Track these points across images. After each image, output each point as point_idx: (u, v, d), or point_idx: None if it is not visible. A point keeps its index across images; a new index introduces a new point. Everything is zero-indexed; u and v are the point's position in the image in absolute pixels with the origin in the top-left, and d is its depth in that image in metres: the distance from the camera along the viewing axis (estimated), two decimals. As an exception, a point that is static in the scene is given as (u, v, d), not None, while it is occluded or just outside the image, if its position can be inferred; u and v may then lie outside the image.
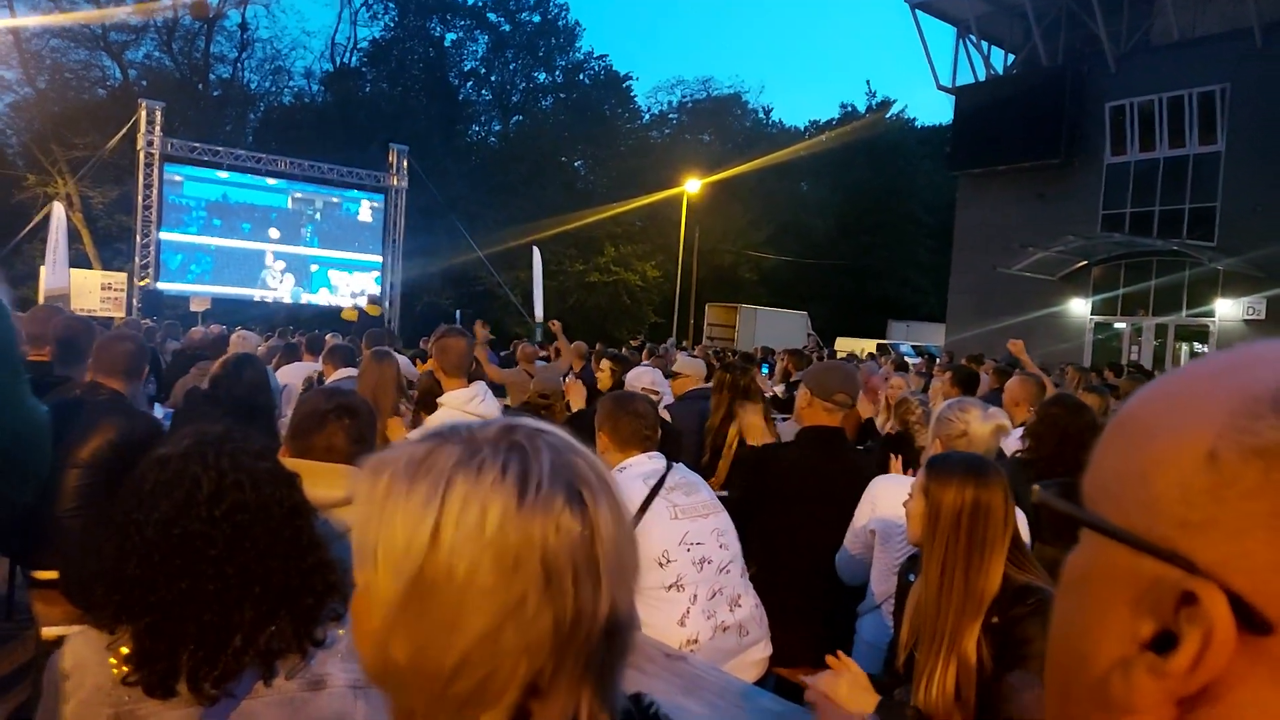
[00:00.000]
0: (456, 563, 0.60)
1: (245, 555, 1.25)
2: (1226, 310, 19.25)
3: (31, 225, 15.69)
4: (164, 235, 18.41)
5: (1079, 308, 21.97)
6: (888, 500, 2.66)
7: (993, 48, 24.83)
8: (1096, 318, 21.96)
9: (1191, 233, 19.69)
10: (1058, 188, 21.99)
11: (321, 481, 1.61)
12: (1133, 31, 21.04)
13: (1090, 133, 21.39)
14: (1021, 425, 3.74)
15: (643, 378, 4.74)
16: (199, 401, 2.91)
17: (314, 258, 20.64)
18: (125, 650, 1.21)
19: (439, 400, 3.84)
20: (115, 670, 1.21)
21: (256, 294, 19.67)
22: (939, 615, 1.84)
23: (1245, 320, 18.93)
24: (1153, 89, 20.28)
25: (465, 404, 3.88)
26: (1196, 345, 20.86)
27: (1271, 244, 17.31)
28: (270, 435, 3.00)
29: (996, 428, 2.71)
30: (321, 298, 20.58)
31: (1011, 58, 24.64)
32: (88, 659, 1.23)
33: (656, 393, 4.70)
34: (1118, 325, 21.82)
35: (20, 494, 0.99)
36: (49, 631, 2.73)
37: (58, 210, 15.11)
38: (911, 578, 2.09)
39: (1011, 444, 3.59)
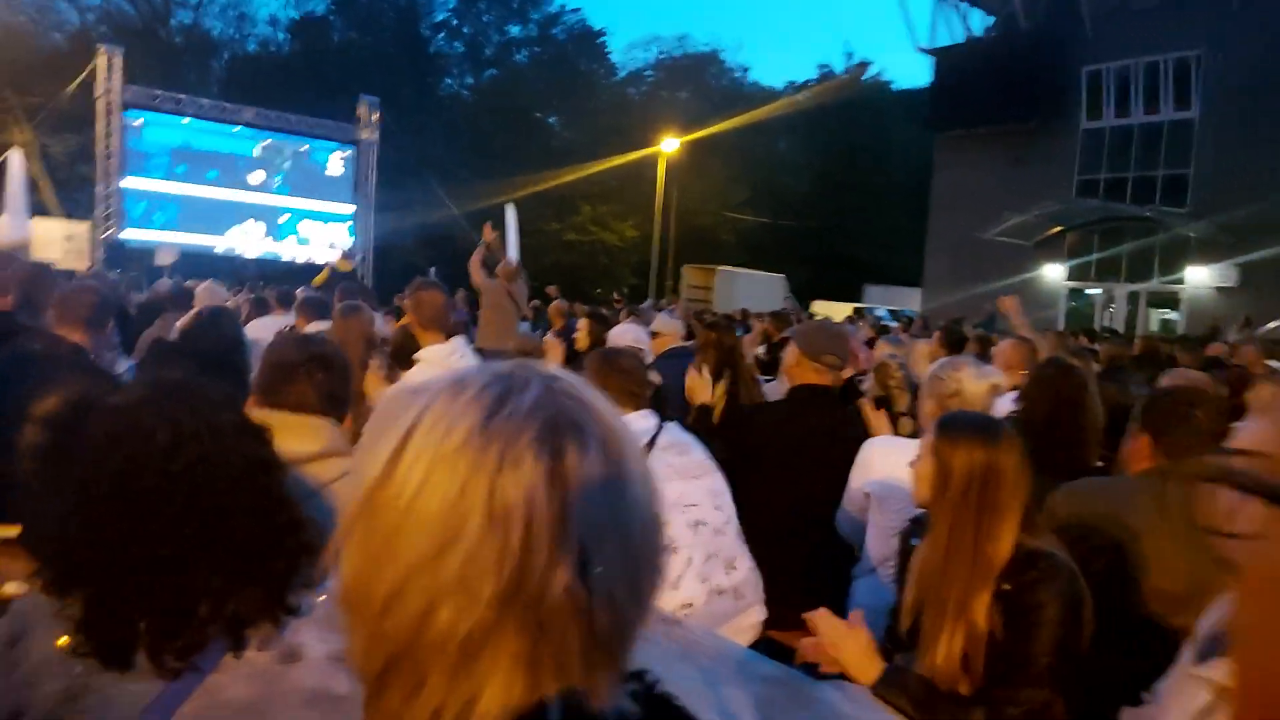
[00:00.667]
0: (408, 480, 0.56)
1: (206, 514, 1.12)
2: (1199, 277, 19.46)
3: (-15, 174, 15.11)
4: (126, 183, 17.83)
5: (1054, 273, 22.12)
6: (883, 462, 2.60)
7: (971, 9, 24.63)
8: (1071, 284, 22.13)
9: (1165, 199, 19.81)
10: (1034, 152, 21.99)
11: (292, 435, 1.49)
12: (1112, -6, 20.94)
13: (1067, 97, 21.35)
14: (1014, 389, 3.69)
15: (625, 336, 4.63)
16: (165, 354, 2.75)
17: (283, 208, 20.13)
18: (75, 618, 1.09)
19: (415, 356, 3.71)
20: (65, 640, 1.09)
21: (224, 244, 19.18)
22: (946, 581, 1.77)
23: (1217, 287, 19.16)
24: (1129, 53, 20.24)
25: (444, 358, 3.75)
26: (1167, 312, 21.12)
27: (1243, 209, 17.45)
28: (243, 393, 2.85)
29: (991, 386, 2.64)
30: (291, 250, 20.14)
31: (991, 19, 24.45)
32: (33, 626, 1.11)
33: (639, 349, 4.61)
34: (1091, 291, 22.01)
35: None
36: (9, 588, 2.61)
37: (15, 158, 14.51)
38: (915, 541, 2.02)
39: (1004, 406, 3.55)
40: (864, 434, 3.06)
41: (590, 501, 0.56)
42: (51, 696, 1.08)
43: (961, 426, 1.83)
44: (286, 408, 1.77)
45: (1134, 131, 20.71)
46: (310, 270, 17.34)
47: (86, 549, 1.09)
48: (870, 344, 8.40)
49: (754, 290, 26.37)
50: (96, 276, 9.39)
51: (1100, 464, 3.31)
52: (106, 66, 17.32)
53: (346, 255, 14.08)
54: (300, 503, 1.25)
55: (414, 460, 0.57)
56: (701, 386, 3.46)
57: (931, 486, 1.82)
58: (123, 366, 4.28)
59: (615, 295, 17.37)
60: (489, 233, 8.26)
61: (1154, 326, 20.81)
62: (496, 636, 0.54)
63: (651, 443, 2.50)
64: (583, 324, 6.29)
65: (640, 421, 2.54)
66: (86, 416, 1.21)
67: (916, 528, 2.05)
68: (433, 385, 0.61)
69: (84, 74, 17.96)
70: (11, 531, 2.77)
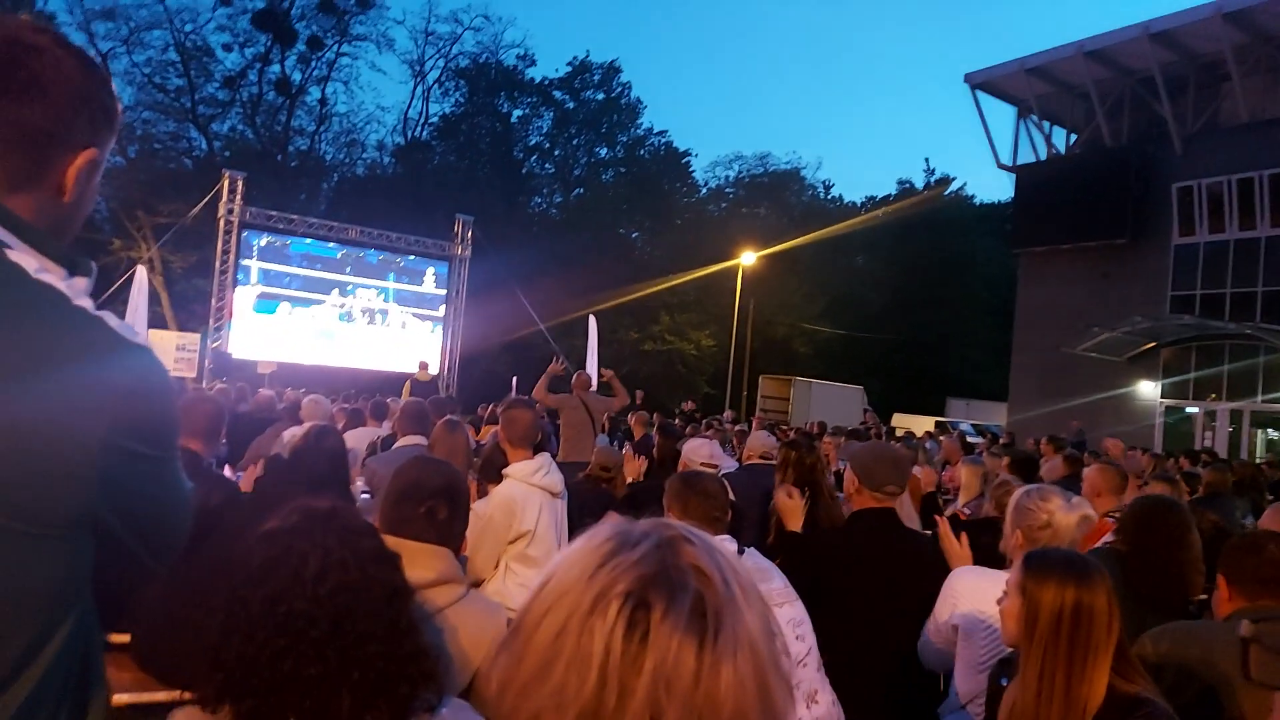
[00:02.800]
0: (536, 611, 0.63)
1: (346, 638, 1.23)
2: (1306, 396, 18.47)
3: (114, 288, 16.43)
4: (237, 298, 19.11)
5: (1148, 390, 21.31)
6: (970, 594, 2.54)
7: (1054, 127, 24.81)
8: (1167, 401, 21.25)
9: (1266, 315, 19.06)
10: (1123, 268, 21.59)
11: (417, 562, 1.60)
12: (1199, 113, 20.85)
13: (1157, 213, 21.06)
14: (1106, 515, 3.58)
15: (700, 450, 4.67)
16: (280, 470, 2.95)
17: (379, 321, 21.20)
18: None
19: (505, 471, 3.84)
20: None
21: (322, 358, 20.18)
22: (1038, 724, 1.73)
23: (1327, 407, 18.13)
24: (1221, 170, 19.96)
25: (530, 475, 3.88)
26: (1272, 432, 20.00)
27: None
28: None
29: (1082, 517, 2.58)
30: (383, 360, 21.04)
31: (1074, 137, 24.55)
32: None
33: (715, 465, 4.63)
34: (1190, 409, 21.06)
35: (160, 563, 1.02)
36: (118, 699, 2.73)
37: (140, 274, 15.86)
38: (1004, 681, 1.98)
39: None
40: (931, 554, 2.99)
41: (667, 665, 0.57)
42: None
43: (1050, 563, 1.81)
44: (409, 536, 1.90)
45: (1230, 247, 20.19)
46: (398, 380, 18.09)
47: (241, 666, 1.21)
48: (947, 462, 8.22)
49: (830, 401, 26.09)
50: (218, 390, 9.97)
51: (1205, 596, 3.16)
52: (229, 189, 18.86)
53: (422, 365, 14.68)
54: (422, 628, 1.35)
55: (545, 595, 0.63)
56: (794, 511, 3.32)
57: (1019, 625, 1.80)
58: (228, 474, 4.54)
59: (687, 402, 17.42)
60: (557, 366, 8.50)
61: (1259, 446, 19.69)
62: None
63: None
64: (659, 441, 6.40)
65: (719, 546, 2.57)
66: (206, 524, 1.33)
67: (1005, 668, 2.01)
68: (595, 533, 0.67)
69: (209, 196, 19.58)
70: (121, 639, 2.93)
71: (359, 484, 4.45)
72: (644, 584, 0.60)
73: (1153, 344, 20.83)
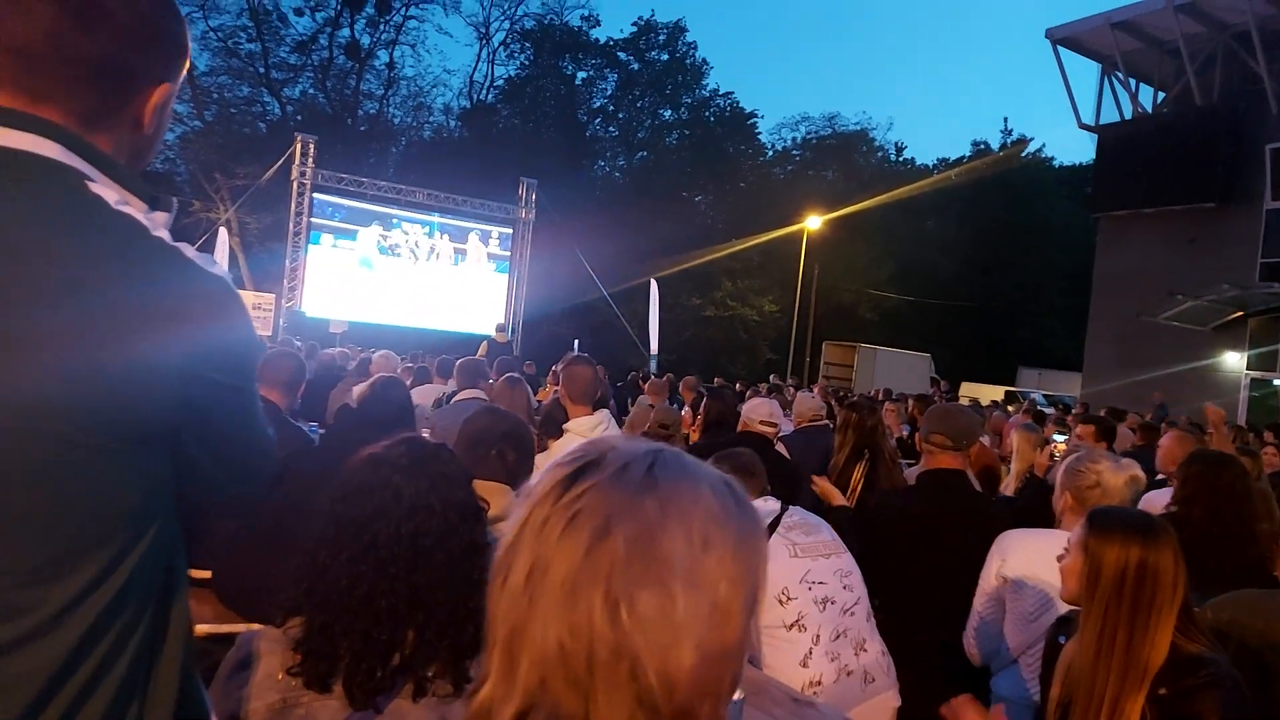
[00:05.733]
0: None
1: (419, 579, 1.29)
2: (1406, 370, 17.44)
3: (197, 247, 17.03)
4: (310, 260, 19.63)
5: (1233, 361, 20.37)
6: (1019, 555, 2.52)
7: (1141, 85, 23.61)
8: (1253, 373, 20.28)
9: (1363, 284, 18.01)
10: (1211, 232, 20.56)
11: (487, 498, 1.67)
12: (1299, 69, 19.61)
13: (1249, 175, 19.93)
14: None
15: (759, 409, 4.66)
16: (349, 420, 3.06)
17: (445, 282, 21.57)
18: (296, 637, 1.27)
19: (565, 426, 3.90)
20: (289, 660, 1.27)
21: (391, 317, 20.65)
22: (1097, 682, 1.71)
23: None
24: (1321, 130, 18.79)
25: (590, 430, 3.93)
26: (1366, 406, 18.98)
27: None
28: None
29: (1131, 478, 2.55)
30: (449, 323, 21.42)
31: (1161, 95, 23.34)
32: (259, 654, 1.30)
33: (774, 424, 4.63)
34: (1278, 382, 20.09)
35: (243, 491, 1.08)
36: (200, 629, 2.91)
37: (222, 235, 16.40)
38: (1062, 639, 1.96)
39: (1158, 502, 3.35)
40: (997, 518, 2.98)
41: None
42: (265, 708, 1.25)
43: (1115, 521, 1.78)
44: (481, 477, 1.97)
45: (1326, 211, 19.08)
46: (465, 340, 18.42)
47: (320, 579, 1.27)
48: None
49: (896, 369, 25.61)
50: (286, 344, 10.31)
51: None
52: (301, 152, 19.29)
53: (500, 329, 14.90)
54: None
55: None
56: (833, 493, 3.46)
57: (1081, 583, 1.78)
58: (304, 427, 4.71)
59: (739, 381, 17.39)
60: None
61: (1353, 424, 18.69)
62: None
63: (775, 523, 2.54)
64: (705, 404, 6.41)
65: (763, 505, 2.60)
66: (279, 470, 1.39)
67: (1063, 626, 1.99)
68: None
69: (282, 159, 20.06)
70: (203, 575, 3.10)
71: (424, 436, 4.58)
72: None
73: (1239, 313, 19.86)
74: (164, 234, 0.95)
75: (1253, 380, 20.32)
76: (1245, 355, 20.23)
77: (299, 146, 19.34)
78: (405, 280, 21.08)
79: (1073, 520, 2.46)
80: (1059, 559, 1.89)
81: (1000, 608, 2.52)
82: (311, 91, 33.07)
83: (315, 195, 19.59)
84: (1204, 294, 18.73)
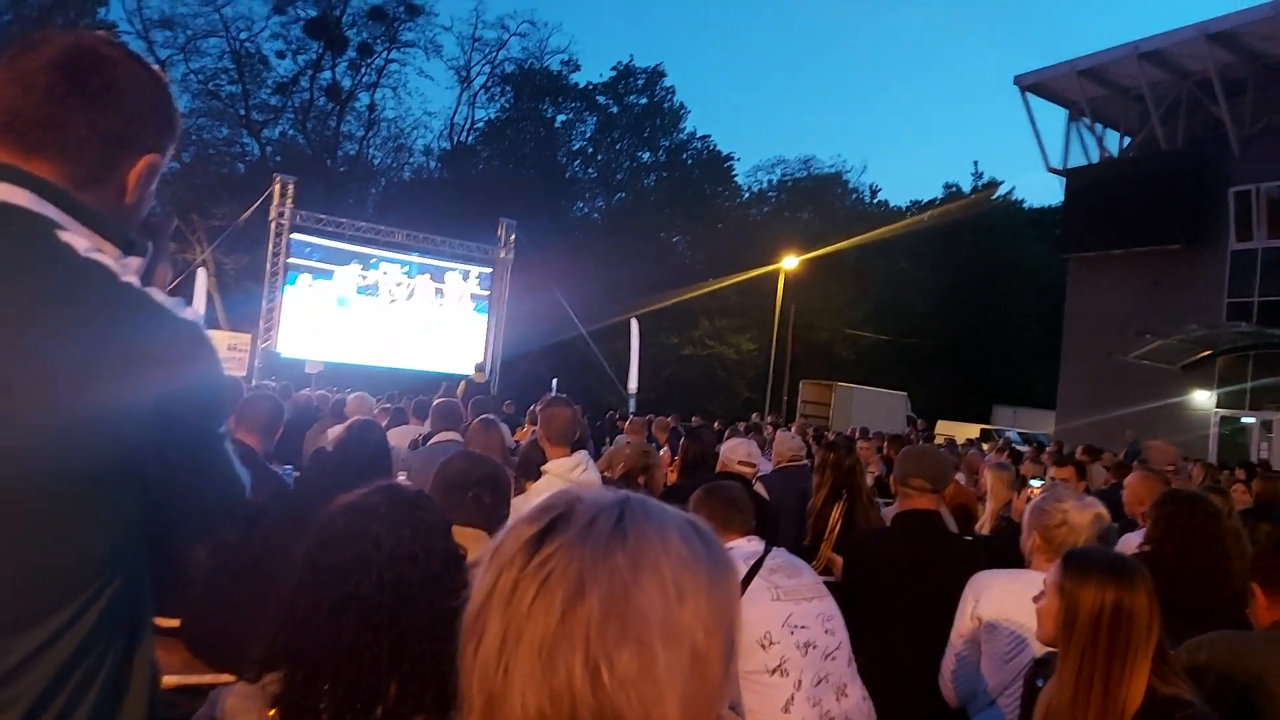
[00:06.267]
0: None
1: (402, 629, 1.26)
2: (1372, 408, 17.79)
3: (171, 288, 16.90)
4: (287, 300, 19.51)
5: (1202, 400, 20.70)
6: (992, 596, 2.53)
7: (1106, 130, 24.25)
8: (1222, 411, 20.61)
9: (1327, 324, 18.44)
10: (1177, 274, 21.01)
11: (464, 543, 1.65)
12: (1258, 115, 20.22)
13: (1213, 218, 20.46)
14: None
15: (738, 450, 4.67)
16: (326, 463, 3.03)
17: (422, 323, 21.50)
18: (274, 693, 1.24)
19: (543, 468, 3.88)
20: (264, 718, 1.24)
21: (368, 358, 20.52)
22: (1074, 724, 1.71)
23: (1394, 420, 17.44)
24: (1280, 174, 19.35)
25: (568, 472, 3.92)
26: (1336, 444, 19.29)
27: None
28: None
29: (1096, 515, 2.58)
30: (427, 362, 21.33)
31: (1127, 140, 23.98)
32: (241, 706, 1.26)
33: (753, 465, 4.63)
34: (1246, 420, 20.41)
35: (216, 530, 1.08)
36: (168, 680, 2.83)
37: (201, 276, 16.30)
38: (1040, 682, 1.96)
39: (1131, 543, 3.38)
40: (971, 559, 2.99)
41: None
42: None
43: (1090, 563, 1.79)
44: (454, 522, 1.95)
45: (1289, 253, 19.57)
46: (442, 380, 18.35)
47: (299, 631, 1.25)
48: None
49: (873, 408, 25.78)
50: (273, 388, 10.23)
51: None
52: (281, 193, 19.29)
53: (479, 369, 14.87)
54: None
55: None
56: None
57: (1057, 625, 1.78)
58: (279, 469, 4.65)
59: (715, 420, 17.49)
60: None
61: (1321, 461, 19.00)
62: None
63: (758, 565, 2.53)
64: (682, 444, 6.41)
65: (747, 545, 2.59)
66: (254, 515, 1.35)
67: (1041, 668, 1.99)
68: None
69: (261, 199, 20.04)
70: (171, 623, 3.03)
71: (400, 479, 4.54)
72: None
73: (1208, 352, 20.24)
74: (133, 279, 0.96)
75: (1222, 418, 20.64)
76: (1214, 393, 20.56)
77: (278, 187, 19.35)
78: (382, 320, 21.01)
79: (1041, 560, 2.48)
80: (1035, 599, 1.90)
81: (975, 648, 2.52)
82: (291, 132, 33.27)
83: (293, 235, 19.56)
84: (1173, 333, 19.08)
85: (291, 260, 19.62)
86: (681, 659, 0.59)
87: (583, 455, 4.12)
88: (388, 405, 8.94)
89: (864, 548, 3.26)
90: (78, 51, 0.97)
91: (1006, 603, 2.43)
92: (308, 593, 1.28)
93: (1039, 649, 2.13)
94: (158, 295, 0.97)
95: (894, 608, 2.88)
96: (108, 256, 0.95)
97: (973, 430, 24.98)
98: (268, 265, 19.50)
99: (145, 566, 0.99)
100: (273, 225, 19.31)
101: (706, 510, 2.67)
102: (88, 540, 0.90)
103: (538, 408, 4.46)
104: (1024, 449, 15.39)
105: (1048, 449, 14.48)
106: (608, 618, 0.58)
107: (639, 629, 0.58)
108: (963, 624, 2.54)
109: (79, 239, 0.94)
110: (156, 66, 1.10)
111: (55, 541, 0.88)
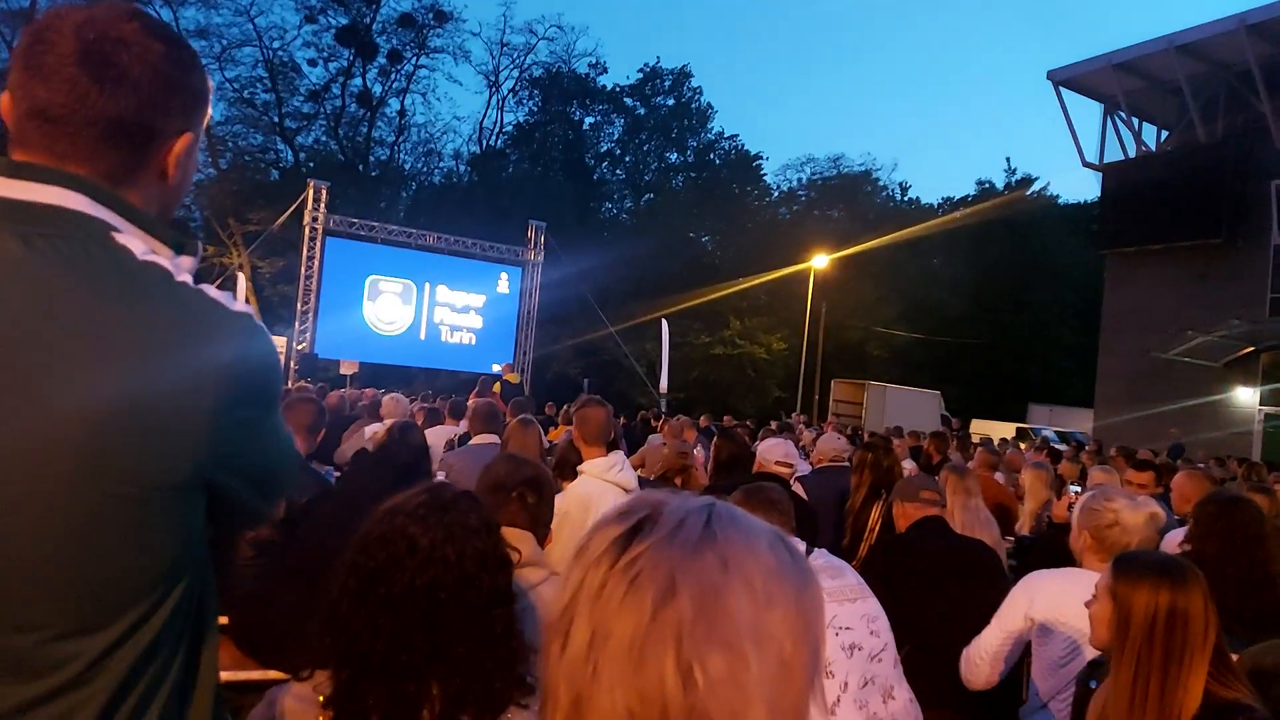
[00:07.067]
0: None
1: (437, 632, 1.27)
2: None
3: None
4: (322, 303, 19.80)
5: (1246, 397, 20.26)
6: (1047, 596, 2.49)
7: (1144, 124, 23.82)
8: (1266, 408, 20.16)
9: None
10: (1219, 269, 20.60)
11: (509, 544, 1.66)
12: (1302, 106, 19.78)
13: (1255, 212, 20.04)
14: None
15: (775, 450, 4.65)
16: (367, 463, 3.07)
17: (455, 325, 21.71)
18: (325, 693, 1.26)
19: (579, 468, 3.90)
20: (322, 718, 1.25)
21: (402, 359, 20.75)
22: (1130, 729, 1.68)
23: None
24: (1326, 165, 18.90)
25: (604, 472, 3.92)
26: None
27: None
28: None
29: (1150, 515, 2.52)
30: (459, 363, 21.53)
31: (1165, 134, 23.53)
32: (298, 708, 1.28)
33: (790, 465, 4.60)
34: (1292, 417, 19.97)
35: (269, 506, 1.08)
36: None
37: (240, 280, 16.59)
38: (1093, 684, 1.93)
39: (1173, 540, 3.32)
40: (982, 558, 3.05)
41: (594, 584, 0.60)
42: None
43: (1142, 566, 1.76)
44: (502, 523, 1.96)
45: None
46: (474, 381, 18.49)
47: (342, 632, 1.26)
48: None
49: (906, 406, 25.52)
50: (303, 389, 10.38)
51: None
52: (314, 198, 19.56)
53: (509, 368, 14.94)
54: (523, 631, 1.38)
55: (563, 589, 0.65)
56: None
57: (1111, 630, 1.75)
58: (321, 470, 4.71)
59: (742, 424, 17.42)
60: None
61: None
62: None
63: (802, 566, 2.52)
64: (715, 443, 6.40)
65: None
66: (297, 515, 1.35)
67: (1094, 670, 1.96)
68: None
69: (295, 205, 20.34)
70: (221, 621, 3.06)
71: (439, 478, 4.58)
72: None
73: (1251, 348, 19.80)
74: (188, 278, 0.97)
75: (1266, 415, 20.18)
76: (1258, 390, 20.12)
77: (311, 192, 19.62)
78: (414, 321, 21.23)
79: (1092, 559, 2.44)
80: (1087, 605, 1.87)
81: (1019, 647, 2.48)
82: (324, 139, 33.69)
83: (327, 239, 19.83)
84: (1214, 330, 18.70)
85: (326, 263, 19.90)
86: (770, 666, 0.58)
87: (618, 455, 4.12)
88: (425, 405, 9.02)
89: (899, 548, 3.25)
90: (92, 37, 0.92)
91: (1061, 604, 2.38)
92: (349, 594, 1.29)
93: (1092, 652, 2.10)
94: (212, 292, 0.98)
95: (940, 607, 2.87)
96: (163, 258, 0.96)
97: (1008, 429, 24.62)
98: (302, 268, 19.79)
99: (209, 567, 1.01)
100: (307, 229, 19.60)
101: (747, 511, 2.66)
102: (158, 545, 0.91)
103: (572, 408, 4.47)
104: (1062, 448, 15.17)
105: (1086, 448, 14.24)
106: (698, 618, 0.57)
107: (729, 632, 0.57)
108: (1014, 622, 2.50)
109: (135, 241, 0.95)
110: (175, 32, 1.04)
111: (126, 546, 0.89)
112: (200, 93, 1.03)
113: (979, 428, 25.74)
